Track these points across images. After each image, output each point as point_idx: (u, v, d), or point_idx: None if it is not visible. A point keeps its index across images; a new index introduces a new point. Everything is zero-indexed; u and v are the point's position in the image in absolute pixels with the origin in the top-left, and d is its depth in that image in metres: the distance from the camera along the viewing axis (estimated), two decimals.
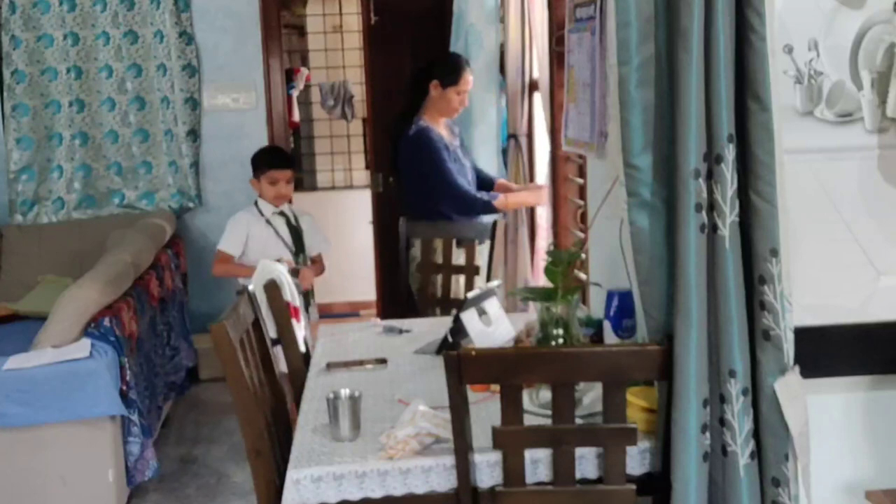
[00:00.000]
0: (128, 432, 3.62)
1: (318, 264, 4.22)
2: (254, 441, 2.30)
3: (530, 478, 2.07)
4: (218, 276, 4.19)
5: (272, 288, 2.98)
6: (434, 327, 3.15)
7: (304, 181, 7.75)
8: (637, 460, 2.11)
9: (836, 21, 2.05)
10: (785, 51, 2.04)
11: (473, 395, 2.15)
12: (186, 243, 5.39)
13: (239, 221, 4.12)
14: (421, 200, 4.09)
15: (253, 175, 4.20)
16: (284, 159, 4.23)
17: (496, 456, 2.06)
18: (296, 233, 4.13)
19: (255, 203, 4.16)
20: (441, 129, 4.14)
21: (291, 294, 3.20)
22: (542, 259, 3.93)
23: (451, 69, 4.11)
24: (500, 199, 4.08)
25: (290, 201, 4.24)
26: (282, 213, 4.14)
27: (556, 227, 3.92)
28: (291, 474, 2.05)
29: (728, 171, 1.92)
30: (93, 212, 5.32)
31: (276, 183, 4.08)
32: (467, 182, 4.10)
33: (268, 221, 4.09)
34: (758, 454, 2.00)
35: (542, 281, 3.11)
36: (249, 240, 4.07)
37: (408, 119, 4.10)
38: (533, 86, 4.44)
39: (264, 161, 4.16)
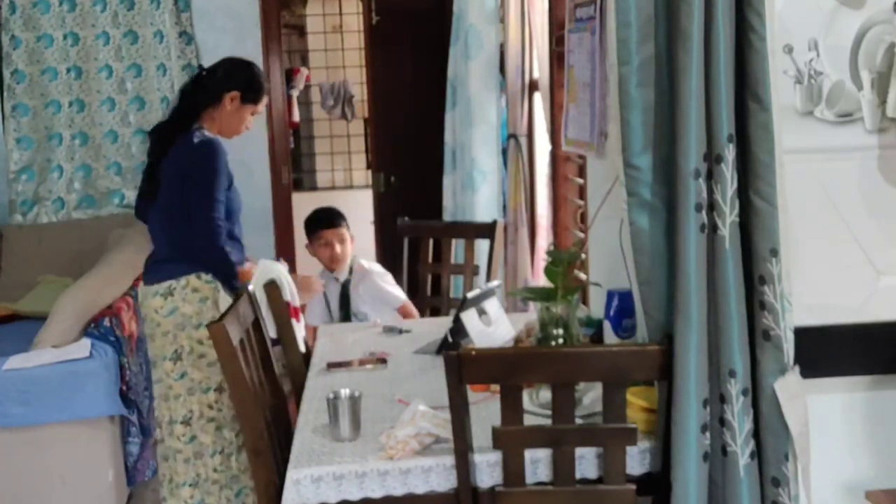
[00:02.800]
0: (128, 432, 3.62)
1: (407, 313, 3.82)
2: (254, 441, 2.30)
3: (530, 478, 2.07)
4: None
5: (272, 288, 2.98)
6: (434, 327, 3.15)
7: (304, 181, 7.76)
8: (637, 460, 2.11)
9: (836, 21, 2.05)
10: (785, 51, 2.04)
11: (473, 395, 2.15)
12: None
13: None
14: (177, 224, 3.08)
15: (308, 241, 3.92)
16: (330, 217, 3.89)
17: (496, 456, 2.06)
18: (344, 299, 3.83)
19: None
20: None
21: (291, 294, 3.19)
22: (542, 259, 3.93)
23: (256, 85, 3.26)
24: (244, 269, 3.14)
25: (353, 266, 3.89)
26: (336, 280, 3.85)
27: (556, 227, 3.92)
28: (291, 474, 2.05)
29: (728, 171, 1.92)
30: (93, 212, 5.31)
31: (323, 247, 3.83)
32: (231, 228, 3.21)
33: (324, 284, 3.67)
34: (758, 454, 2.00)
35: (542, 281, 3.11)
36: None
37: (182, 126, 3.16)
38: (533, 86, 4.44)
39: (310, 224, 3.90)
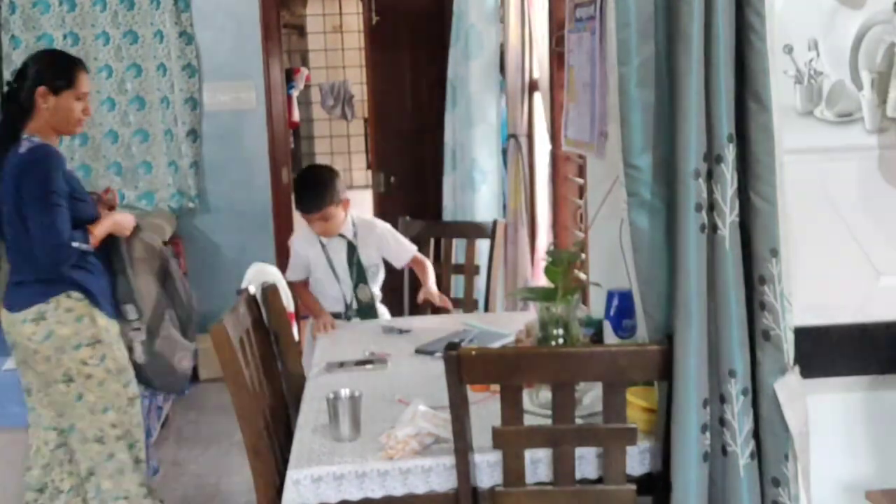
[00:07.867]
0: None
1: (419, 265, 3.63)
2: (253, 441, 2.30)
3: (530, 478, 2.07)
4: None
5: (272, 292, 2.96)
6: (434, 327, 3.15)
7: None
8: (637, 460, 2.11)
9: (836, 21, 2.05)
10: (785, 51, 2.04)
11: (473, 395, 2.15)
12: (186, 243, 5.39)
13: (294, 243, 3.57)
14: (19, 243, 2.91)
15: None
16: (310, 201, 3.45)
17: (496, 456, 2.06)
18: (352, 253, 3.54)
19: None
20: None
21: (287, 299, 3.14)
22: (542, 259, 3.93)
23: (58, 69, 2.97)
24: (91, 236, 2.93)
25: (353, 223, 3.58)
26: (341, 236, 3.53)
27: (556, 227, 3.93)
28: (291, 474, 2.06)
29: (728, 171, 1.92)
30: None
31: (312, 223, 3.48)
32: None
33: (323, 245, 3.51)
34: (758, 454, 2.00)
35: (542, 281, 3.11)
36: (311, 266, 3.54)
37: (9, 141, 2.92)
38: (533, 86, 4.44)
39: (296, 203, 3.56)
